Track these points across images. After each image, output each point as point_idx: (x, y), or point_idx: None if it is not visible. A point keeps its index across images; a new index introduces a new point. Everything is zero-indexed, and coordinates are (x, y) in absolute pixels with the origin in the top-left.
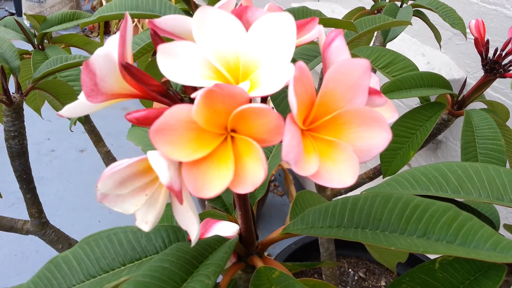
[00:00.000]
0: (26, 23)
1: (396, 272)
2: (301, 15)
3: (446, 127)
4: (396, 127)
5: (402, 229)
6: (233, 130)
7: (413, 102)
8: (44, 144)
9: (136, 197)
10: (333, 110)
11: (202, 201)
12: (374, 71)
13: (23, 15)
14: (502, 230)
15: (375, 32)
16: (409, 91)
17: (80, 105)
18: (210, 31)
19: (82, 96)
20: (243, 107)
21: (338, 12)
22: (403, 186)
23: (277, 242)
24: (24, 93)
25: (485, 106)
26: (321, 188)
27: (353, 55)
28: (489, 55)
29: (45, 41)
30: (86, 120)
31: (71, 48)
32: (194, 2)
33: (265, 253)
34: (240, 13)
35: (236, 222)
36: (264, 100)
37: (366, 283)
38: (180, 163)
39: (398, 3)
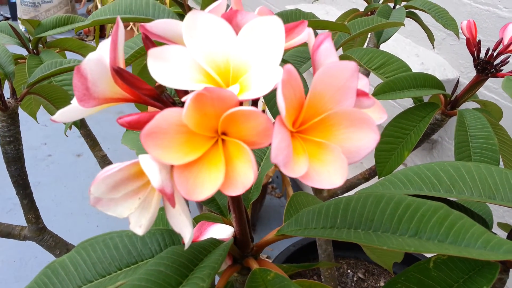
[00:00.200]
0: (21, 27)
1: (392, 272)
2: (294, 17)
3: (440, 127)
4: (390, 128)
5: (394, 228)
6: (223, 133)
7: (407, 102)
8: (41, 149)
9: (129, 201)
10: (322, 112)
11: (199, 204)
12: (368, 72)
13: (18, 19)
14: (495, 229)
15: (369, 34)
16: (402, 92)
17: (73, 110)
18: (200, 35)
19: (74, 101)
20: (232, 110)
21: (333, 13)
22: (396, 186)
23: (276, 244)
24: (19, 98)
25: (478, 106)
26: (317, 190)
27: (347, 57)
28: (481, 55)
29: (40, 45)
30: (81, 125)
31: (66, 52)
32: (188, 5)
33: (265, 256)
34: (230, 17)
35: (231, 225)
36: (255, 103)
37: (365, 283)
38: (171, 167)
39: (391, 5)
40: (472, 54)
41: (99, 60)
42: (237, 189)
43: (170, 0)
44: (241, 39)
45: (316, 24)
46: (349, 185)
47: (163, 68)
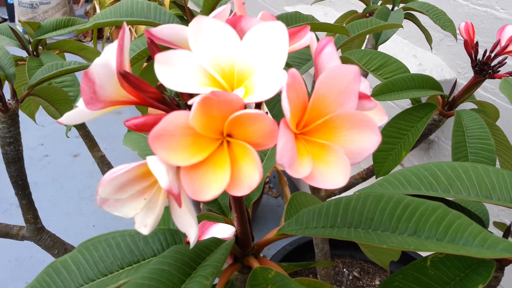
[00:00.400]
0: (20, 29)
1: (389, 271)
2: (294, 20)
3: (437, 127)
4: (388, 128)
5: (394, 227)
6: (228, 135)
7: (405, 103)
8: (38, 150)
9: (135, 201)
10: (325, 114)
11: (197, 204)
12: (366, 73)
13: (17, 21)
14: (491, 228)
15: (367, 35)
16: (401, 93)
17: (79, 113)
18: (206, 40)
19: (81, 104)
20: (238, 113)
21: (331, 15)
22: (394, 186)
23: (272, 244)
24: (20, 99)
25: (475, 106)
26: (315, 189)
27: (346, 58)
28: (478, 57)
29: (40, 47)
30: (80, 125)
31: (65, 54)
32: (189, 8)
33: (260, 255)
34: (235, 22)
35: (232, 224)
36: (258, 105)
37: (361, 282)
38: (178, 167)
39: (390, 6)
40: (470, 55)
41: (106, 64)
42: (242, 190)
43: (170, 3)
44: (245, 44)
45: (316, 26)
46: (346, 185)
47: (170, 72)
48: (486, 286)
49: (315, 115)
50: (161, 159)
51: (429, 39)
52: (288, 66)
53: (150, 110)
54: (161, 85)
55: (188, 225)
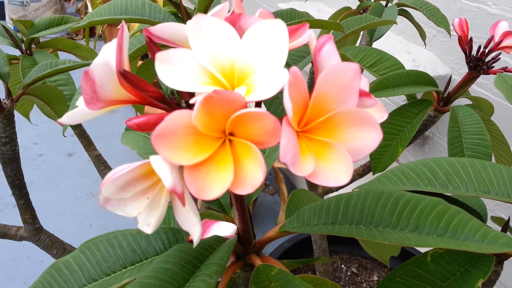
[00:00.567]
0: (11, 27)
1: (389, 266)
2: (290, 17)
3: (433, 123)
4: (384, 125)
5: (395, 224)
6: (230, 134)
7: (400, 99)
8: (32, 149)
9: (138, 201)
10: (326, 112)
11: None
12: (361, 70)
13: (10, 19)
14: (489, 222)
15: (361, 31)
16: (396, 89)
17: (79, 113)
18: (206, 38)
19: (81, 104)
20: (241, 111)
21: (324, 11)
22: (393, 182)
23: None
24: (15, 99)
25: (470, 102)
26: (312, 186)
27: (341, 55)
28: (473, 53)
29: (33, 46)
30: (76, 125)
31: (58, 52)
32: (184, 6)
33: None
34: (234, 20)
35: (233, 222)
36: (258, 103)
37: (359, 278)
38: (180, 166)
39: (383, 3)
40: (464, 51)
41: (105, 63)
42: (246, 188)
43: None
44: (245, 42)
45: (312, 23)
46: None
47: (170, 71)
48: (486, 280)
49: (316, 113)
50: (164, 159)
51: (423, 35)
52: (287, 65)
53: (147, 109)
54: (156, 82)
55: (191, 223)
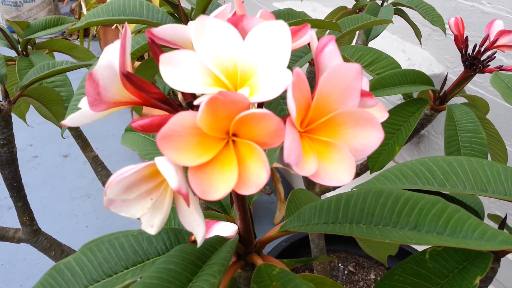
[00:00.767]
0: (5, 26)
1: (387, 265)
2: (287, 17)
3: (429, 122)
4: (382, 124)
5: (394, 222)
6: (234, 134)
7: (395, 98)
8: (27, 150)
9: (142, 202)
10: (328, 112)
11: None
12: None
13: (4, 20)
14: (486, 220)
15: (357, 31)
16: (393, 88)
17: (83, 114)
18: (209, 40)
19: (84, 105)
20: (245, 112)
21: (320, 10)
22: (391, 181)
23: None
24: (12, 100)
25: (466, 101)
26: (310, 186)
27: None
28: (468, 51)
29: (29, 47)
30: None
31: (54, 53)
32: (182, 7)
33: None
34: (236, 22)
35: (234, 222)
36: (260, 104)
37: (356, 276)
38: (184, 168)
39: (379, 2)
40: (460, 50)
41: (109, 65)
42: (251, 189)
43: (160, 0)
44: (248, 43)
45: (309, 23)
46: None
47: (174, 72)
48: (484, 277)
49: (319, 113)
50: (169, 160)
51: (418, 34)
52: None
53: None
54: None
55: (195, 224)
